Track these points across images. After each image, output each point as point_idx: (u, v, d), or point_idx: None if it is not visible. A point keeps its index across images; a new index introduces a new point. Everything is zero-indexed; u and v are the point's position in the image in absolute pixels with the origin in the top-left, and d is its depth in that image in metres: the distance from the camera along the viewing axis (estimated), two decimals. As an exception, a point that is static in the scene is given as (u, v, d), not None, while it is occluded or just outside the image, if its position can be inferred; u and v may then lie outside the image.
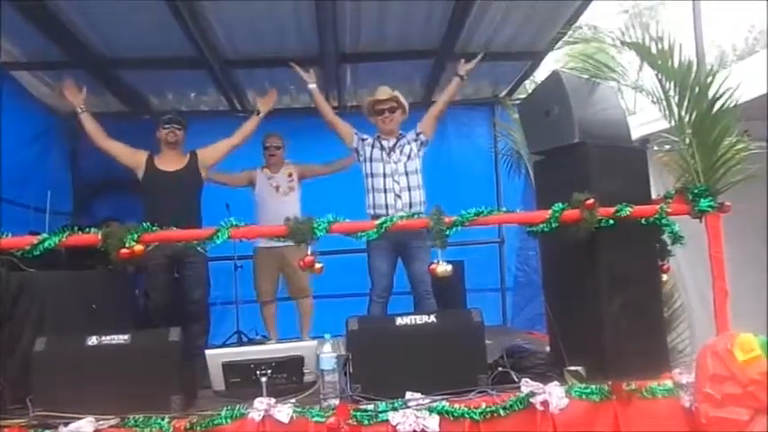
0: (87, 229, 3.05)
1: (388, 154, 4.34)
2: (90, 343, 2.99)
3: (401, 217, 3.29)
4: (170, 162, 4.46)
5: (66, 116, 6.24)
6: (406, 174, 4.30)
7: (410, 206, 4.19)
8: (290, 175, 5.19)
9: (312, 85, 4.54)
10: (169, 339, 3.03)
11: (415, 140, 4.39)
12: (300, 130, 5.32)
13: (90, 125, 4.34)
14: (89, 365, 2.93)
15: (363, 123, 4.61)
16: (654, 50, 3.22)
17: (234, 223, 3.07)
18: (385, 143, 4.38)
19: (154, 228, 3.09)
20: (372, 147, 4.38)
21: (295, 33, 5.08)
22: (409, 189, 4.29)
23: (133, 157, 4.43)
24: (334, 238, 3.23)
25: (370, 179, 4.35)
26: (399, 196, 4.26)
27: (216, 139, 4.62)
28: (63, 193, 6.03)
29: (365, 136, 4.46)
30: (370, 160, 4.37)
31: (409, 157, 4.33)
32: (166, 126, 4.45)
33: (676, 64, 3.17)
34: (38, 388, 2.88)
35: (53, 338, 3.05)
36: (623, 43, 3.37)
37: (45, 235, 2.99)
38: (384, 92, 4.43)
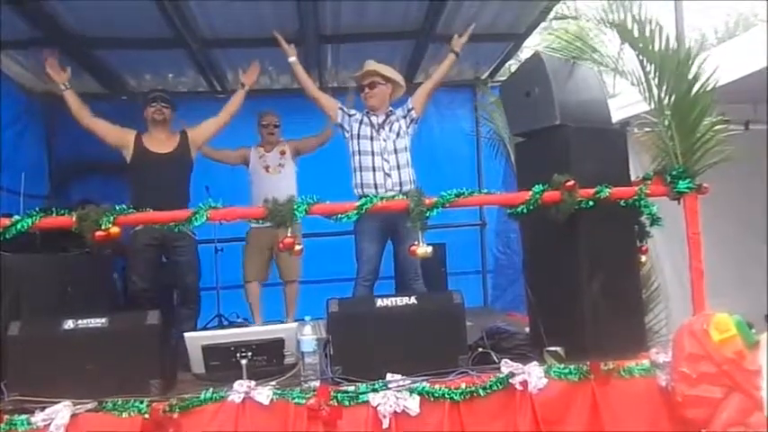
0: (62, 212, 2.99)
1: (377, 131, 4.21)
2: (66, 326, 2.94)
3: (382, 198, 3.25)
4: (160, 143, 4.30)
5: (41, 97, 6.13)
6: (396, 152, 4.18)
7: (400, 185, 4.09)
8: (283, 152, 5.05)
9: (292, 58, 4.42)
10: (147, 323, 2.99)
11: (405, 117, 4.28)
12: (281, 110, 5.24)
13: (74, 103, 4.18)
14: (65, 349, 2.89)
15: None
16: (636, 33, 3.22)
17: (212, 205, 3.04)
18: (374, 119, 4.25)
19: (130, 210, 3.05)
20: (360, 123, 4.24)
21: (274, 13, 4.98)
22: (398, 167, 4.17)
23: (120, 137, 4.27)
24: (322, 222, 3.19)
25: (357, 157, 4.20)
26: (389, 175, 4.14)
27: (196, 120, 4.52)
28: (39, 175, 5.90)
29: (352, 111, 4.34)
30: (358, 137, 4.21)
31: (398, 134, 4.22)
32: (153, 104, 4.29)
33: (657, 46, 3.17)
34: (13, 372, 2.84)
35: (28, 322, 3.00)
36: (605, 22, 3.35)
37: (18, 217, 2.92)
38: (366, 66, 4.34)
